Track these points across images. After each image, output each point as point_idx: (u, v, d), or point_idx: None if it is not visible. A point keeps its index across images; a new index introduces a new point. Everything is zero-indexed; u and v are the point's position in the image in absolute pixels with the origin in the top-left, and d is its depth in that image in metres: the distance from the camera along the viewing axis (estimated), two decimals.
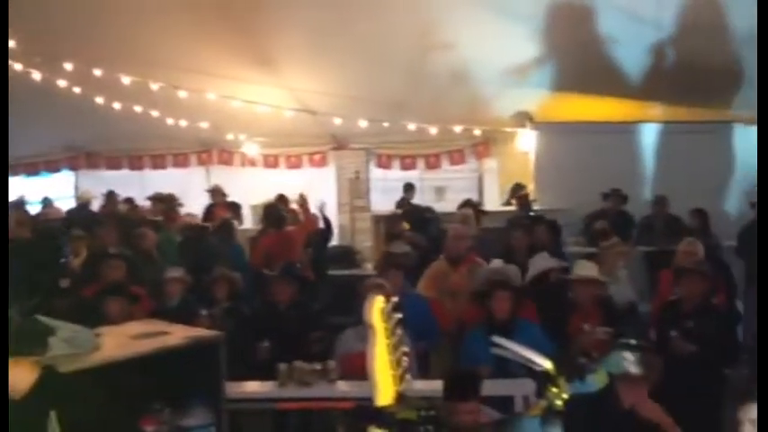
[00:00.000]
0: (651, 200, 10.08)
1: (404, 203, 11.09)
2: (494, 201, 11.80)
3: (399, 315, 2.31)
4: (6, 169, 5.02)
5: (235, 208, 11.16)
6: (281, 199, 10.57)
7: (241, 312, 6.30)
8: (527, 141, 11.49)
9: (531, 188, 11.02)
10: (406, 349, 2.34)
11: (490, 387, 4.41)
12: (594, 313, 5.45)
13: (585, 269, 5.74)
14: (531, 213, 9.88)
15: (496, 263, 6.32)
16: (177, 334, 4.69)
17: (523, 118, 11.43)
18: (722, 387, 4.90)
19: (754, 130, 10.48)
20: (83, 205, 12.14)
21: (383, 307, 2.26)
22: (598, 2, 9.41)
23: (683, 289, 5.33)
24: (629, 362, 3.74)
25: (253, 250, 9.04)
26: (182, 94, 10.23)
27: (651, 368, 3.81)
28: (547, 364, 2.86)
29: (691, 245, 6.50)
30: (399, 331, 2.32)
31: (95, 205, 12.14)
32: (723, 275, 6.76)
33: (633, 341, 3.90)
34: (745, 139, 10.60)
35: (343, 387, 5.02)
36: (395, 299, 2.33)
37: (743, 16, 9.08)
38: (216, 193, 11.43)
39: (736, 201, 10.23)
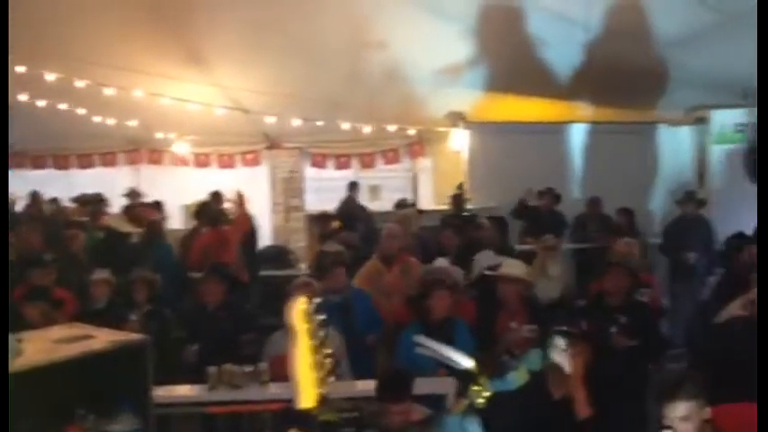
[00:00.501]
0: (582, 198, 10.30)
1: (349, 202, 11.07)
2: (428, 200, 11.88)
3: (322, 316, 2.28)
4: (6, 169, 4.83)
5: (157, 208, 10.92)
6: (216, 196, 10.40)
7: (161, 315, 6.16)
8: (460, 141, 11.60)
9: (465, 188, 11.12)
10: (329, 351, 2.31)
11: (423, 385, 4.44)
12: (521, 311, 5.52)
13: (511, 267, 5.80)
14: (465, 213, 10.00)
15: (440, 262, 6.37)
16: (102, 338, 4.57)
17: (456, 118, 11.53)
18: (647, 382, 5.02)
19: (677, 130, 10.90)
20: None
21: (305, 308, 2.22)
22: (528, 3, 9.55)
23: (610, 283, 5.45)
24: (558, 349, 3.80)
25: (187, 250, 8.86)
26: (109, 91, 9.95)
27: (580, 355, 3.87)
28: (468, 363, 2.88)
29: (627, 245, 6.66)
30: (322, 333, 2.28)
31: (20, 206, 11.75)
32: (647, 272, 6.94)
33: (564, 327, 3.96)
34: (669, 139, 10.95)
35: (274, 389, 4.95)
36: (317, 300, 2.29)
37: (667, 20, 9.37)
38: (133, 194, 11.18)
39: (661, 199, 10.53)
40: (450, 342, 4.97)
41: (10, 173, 13.31)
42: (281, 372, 4.97)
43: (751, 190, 9.54)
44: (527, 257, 7.06)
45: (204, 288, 6.10)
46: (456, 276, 6.21)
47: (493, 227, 8.14)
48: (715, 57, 9.23)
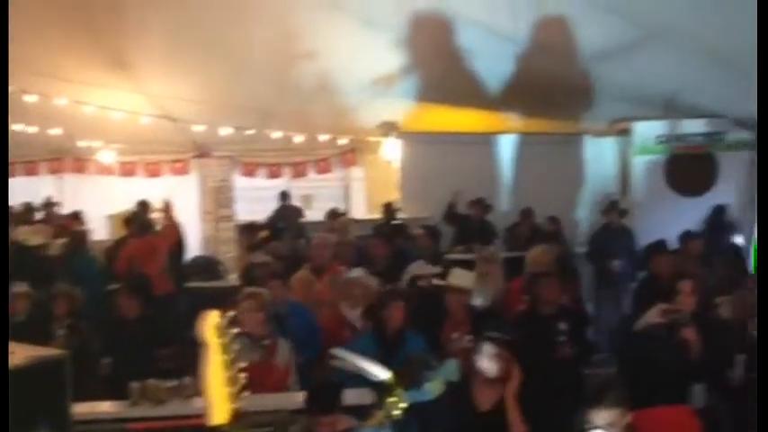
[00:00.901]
0: (512, 208, 10.46)
1: (283, 210, 10.97)
2: (361, 209, 11.87)
3: (235, 330, 2.23)
4: (6, 169, 4.57)
5: (77, 218, 10.61)
6: (143, 206, 10.16)
7: (81, 329, 5.99)
8: (393, 151, 11.64)
9: (396, 197, 11.15)
10: (242, 365, 2.26)
11: (354, 396, 4.40)
12: (465, 322, 5.55)
13: (461, 279, 5.83)
14: (395, 222, 10.04)
15: (356, 272, 6.34)
16: (20, 353, 4.40)
17: (388, 127, 11.57)
18: (578, 389, 5.08)
19: (602, 141, 11.19)
20: None
21: (218, 322, 2.16)
22: (459, 15, 9.66)
23: (544, 292, 5.49)
24: (487, 356, 3.81)
25: (113, 261, 8.60)
26: (30, 98, 9.62)
27: (509, 365, 3.89)
28: (384, 375, 2.86)
29: (540, 252, 6.75)
30: (236, 347, 2.23)
31: None
32: (573, 280, 7.08)
33: (494, 334, 3.98)
34: (594, 150, 11.22)
35: (200, 404, 4.83)
36: (231, 313, 2.24)
37: (592, 34, 9.62)
38: (49, 204, 10.83)
39: (586, 208, 10.78)
40: (403, 353, 5.00)
41: None
42: None
43: (671, 199, 9.95)
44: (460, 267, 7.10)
45: (121, 300, 5.98)
46: (371, 286, 6.18)
47: (426, 236, 8.20)
48: (637, 71, 9.52)
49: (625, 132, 10.68)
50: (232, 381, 2.21)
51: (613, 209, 9.03)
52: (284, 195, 11.39)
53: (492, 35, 9.81)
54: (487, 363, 3.81)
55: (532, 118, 11.24)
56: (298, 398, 4.84)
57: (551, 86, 10.17)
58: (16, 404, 4.01)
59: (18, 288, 6.39)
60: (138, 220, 8.91)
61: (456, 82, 10.49)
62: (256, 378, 3.47)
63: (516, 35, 9.86)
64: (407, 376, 2.97)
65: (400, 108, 11.30)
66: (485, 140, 11.25)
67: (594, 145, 11.14)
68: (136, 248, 8.33)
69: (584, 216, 10.73)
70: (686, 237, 7.50)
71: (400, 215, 10.47)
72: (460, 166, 10.77)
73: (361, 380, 4.49)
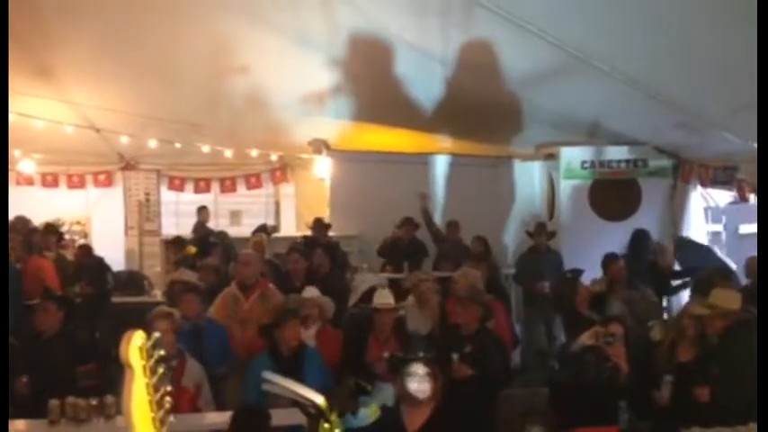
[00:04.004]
0: (442, 227, 10.54)
1: (199, 227, 10.74)
2: (290, 226, 11.78)
3: (161, 352, 2.14)
4: (6, 169, 4.26)
5: None
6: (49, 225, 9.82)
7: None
8: (323, 168, 11.62)
9: (326, 214, 11.11)
10: (168, 389, 2.17)
11: (283, 416, 4.33)
12: (392, 340, 5.56)
13: (385, 298, 5.86)
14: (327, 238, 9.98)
15: (310, 291, 6.29)
16: None
17: (320, 145, 11.54)
18: (497, 408, 5.14)
19: (530, 165, 11.42)
20: None
21: (142, 344, 2.08)
22: (391, 36, 9.73)
23: (461, 315, 5.58)
24: (417, 377, 3.79)
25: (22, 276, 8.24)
26: None
27: (436, 384, 3.89)
28: (318, 400, 2.81)
29: (464, 274, 6.83)
30: (161, 369, 2.14)
31: None
32: (501, 300, 7.17)
33: (421, 354, 3.97)
34: (523, 173, 11.44)
35: (122, 422, 4.65)
36: (156, 334, 2.16)
37: (519, 59, 9.84)
38: None
39: (515, 230, 10.95)
40: (300, 372, 4.95)
41: None
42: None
43: (596, 223, 10.22)
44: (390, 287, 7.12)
45: (38, 315, 5.73)
46: (326, 306, 6.17)
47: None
48: (563, 96, 9.77)
49: (552, 157, 10.92)
50: (157, 405, 2.12)
51: (541, 231, 9.20)
52: (201, 210, 11.18)
53: (423, 57, 9.92)
54: (418, 384, 3.78)
55: (462, 140, 11.40)
56: (209, 419, 4.78)
57: (480, 109, 10.32)
58: None
59: None
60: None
61: (387, 102, 10.55)
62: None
63: (446, 57, 10.01)
64: (342, 401, 2.92)
65: (332, 126, 11.30)
66: (415, 160, 11.34)
67: (523, 168, 11.35)
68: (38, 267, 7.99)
69: (511, 238, 10.90)
70: (609, 259, 7.69)
71: (330, 233, 10.40)
72: (391, 185, 10.82)
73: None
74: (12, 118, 9.75)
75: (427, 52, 9.83)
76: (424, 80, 10.41)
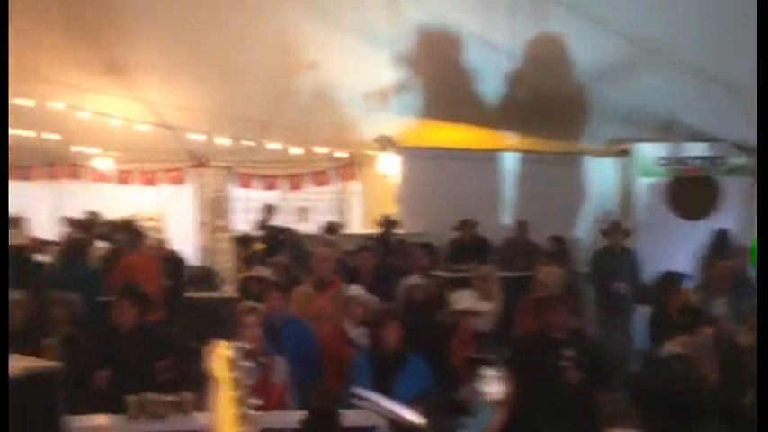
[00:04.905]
0: (509, 225, 10.37)
1: (263, 225, 10.81)
2: (357, 223, 11.76)
3: (249, 364, 2.05)
4: (6, 169, 4.45)
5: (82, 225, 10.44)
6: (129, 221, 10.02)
7: (79, 339, 5.81)
8: (390, 165, 11.56)
9: (394, 211, 11.05)
10: (255, 402, 2.08)
11: (352, 418, 4.30)
12: (472, 343, 5.45)
13: (466, 301, 5.74)
14: (393, 236, 9.94)
15: (354, 289, 6.23)
16: (12, 365, 4.28)
17: (386, 142, 11.49)
18: (595, 412, 4.97)
19: (601, 162, 11.15)
20: None
21: (229, 355, 1.98)
22: (457, 32, 9.64)
23: (552, 319, 5.37)
24: (490, 380, 3.70)
25: (109, 270, 8.40)
26: (25, 102, 9.48)
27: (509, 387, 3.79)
28: (415, 419, 2.72)
29: (546, 274, 6.67)
30: (249, 381, 2.05)
31: None
32: (578, 302, 6.99)
33: (498, 355, 3.88)
34: (594, 170, 11.18)
35: (200, 419, 4.70)
36: (242, 344, 2.07)
37: (589, 53, 9.61)
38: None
39: (586, 229, 10.70)
40: (400, 376, 4.89)
41: None
42: None
43: (674, 222, 9.90)
44: (457, 285, 7.02)
45: (116, 310, 5.77)
46: (371, 304, 6.08)
47: (422, 253, 8.10)
48: (635, 91, 9.50)
49: (624, 153, 10.64)
50: (242, 419, 2.03)
51: (616, 230, 8.92)
52: (268, 209, 11.24)
53: (491, 52, 9.80)
54: (492, 386, 3.68)
55: (531, 136, 11.21)
56: (296, 416, 4.73)
57: (549, 104, 10.15)
58: (10, 417, 3.89)
59: (12, 295, 6.22)
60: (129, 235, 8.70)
61: (454, 98, 10.47)
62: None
63: (515, 52, 9.86)
64: (441, 423, 2.83)
65: (399, 122, 11.25)
66: (483, 157, 11.19)
67: (595, 165, 11.09)
68: (131, 264, 8.11)
69: (583, 236, 10.65)
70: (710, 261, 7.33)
71: (398, 230, 10.34)
72: (458, 182, 10.70)
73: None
74: (87, 115, 10.01)
75: (494, 47, 9.72)
76: (491, 75, 10.30)
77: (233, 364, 1.98)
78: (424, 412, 2.72)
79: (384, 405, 2.80)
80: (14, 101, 9.34)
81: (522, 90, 10.29)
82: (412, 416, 2.70)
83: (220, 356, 1.97)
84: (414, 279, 6.77)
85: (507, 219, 10.71)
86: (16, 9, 8.48)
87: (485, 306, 5.83)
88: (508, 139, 11.34)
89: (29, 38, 8.96)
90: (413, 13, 9.42)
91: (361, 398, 2.88)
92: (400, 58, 9.92)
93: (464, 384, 4.45)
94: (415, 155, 11.25)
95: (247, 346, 2.12)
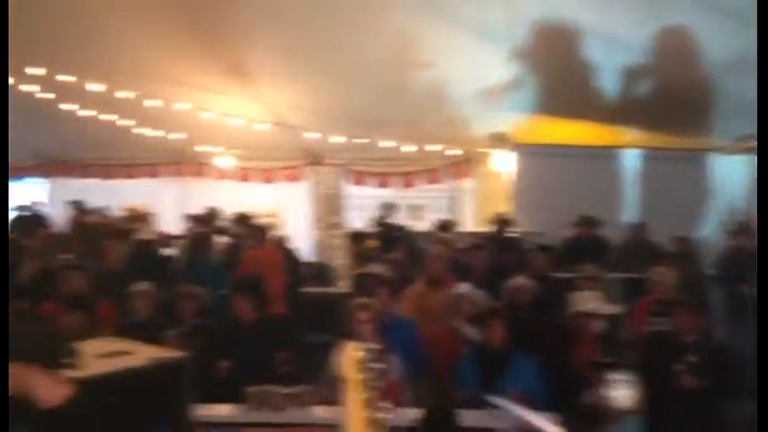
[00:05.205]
0: (629, 225, 10.02)
1: (380, 222, 10.91)
2: (470, 221, 11.67)
3: (381, 365, 2.02)
4: (6, 169, 4.79)
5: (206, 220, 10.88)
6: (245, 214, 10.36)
7: (206, 330, 6.03)
8: (504, 163, 11.41)
9: (508, 210, 10.90)
10: (386, 405, 2.05)
11: (470, 418, 4.27)
12: (594, 346, 5.29)
13: (591, 302, 5.58)
14: (507, 235, 9.81)
15: (463, 287, 6.18)
16: (141, 354, 4.48)
17: (500, 139, 11.34)
18: (722, 421, 4.73)
19: (729, 159, 10.58)
20: (34, 215, 11.86)
21: (360, 356, 1.96)
22: (576, 25, 9.37)
23: (679, 322, 5.11)
24: (619, 385, 3.58)
25: (233, 263, 8.72)
26: (153, 103, 9.96)
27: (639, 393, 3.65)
28: (554, 430, 2.62)
29: (661, 275, 6.38)
30: (380, 383, 2.02)
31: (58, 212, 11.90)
32: (703, 304, 6.64)
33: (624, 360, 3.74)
34: (721, 168, 10.63)
35: (318, 413, 4.79)
36: (376, 346, 2.05)
37: (716, 45, 9.11)
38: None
39: (712, 229, 10.20)
40: (505, 374, 4.83)
41: (55, 181, 13.61)
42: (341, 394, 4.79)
43: None
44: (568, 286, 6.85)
45: (236, 304, 5.94)
46: (480, 302, 6.00)
47: (536, 253, 7.94)
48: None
49: (753, 150, 10.05)
50: (373, 423, 2.00)
51: (744, 230, 8.43)
52: (386, 207, 11.30)
53: (610, 45, 9.48)
54: (621, 391, 3.55)
55: (653, 132, 10.78)
56: (410, 414, 4.73)
57: (673, 99, 9.73)
58: (136, 405, 4.07)
59: (138, 287, 6.53)
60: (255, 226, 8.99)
61: (571, 93, 10.19)
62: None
63: (637, 45, 9.48)
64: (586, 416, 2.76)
65: (513, 119, 11.08)
66: (602, 154, 10.86)
67: (721, 162, 10.54)
68: (254, 259, 8.35)
69: (710, 237, 10.14)
70: None
71: (512, 229, 10.19)
72: (575, 180, 10.43)
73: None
74: (209, 116, 10.40)
75: (615, 40, 9.38)
76: (611, 69, 9.96)
77: (363, 366, 1.96)
78: (532, 409, 2.65)
79: (521, 414, 2.73)
80: (144, 102, 9.86)
81: (644, 85, 9.90)
82: (549, 426, 2.62)
83: (350, 358, 1.95)
84: (519, 280, 6.63)
85: (627, 218, 10.33)
86: (148, 13, 8.95)
87: (609, 308, 5.62)
88: (628, 135, 10.95)
89: (159, 40, 9.41)
90: (530, 7, 9.24)
91: (496, 405, 2.83)
92: (517, 53, 9.74)
93: (588, 389, 4.32)
94: (529, 152, 11.05)
95: (364, 343, 2.10)
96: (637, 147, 10.87)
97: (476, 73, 10.01)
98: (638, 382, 3.73)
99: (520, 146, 11.14)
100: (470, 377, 5.01)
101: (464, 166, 12.00)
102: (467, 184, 12.23)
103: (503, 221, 10.05)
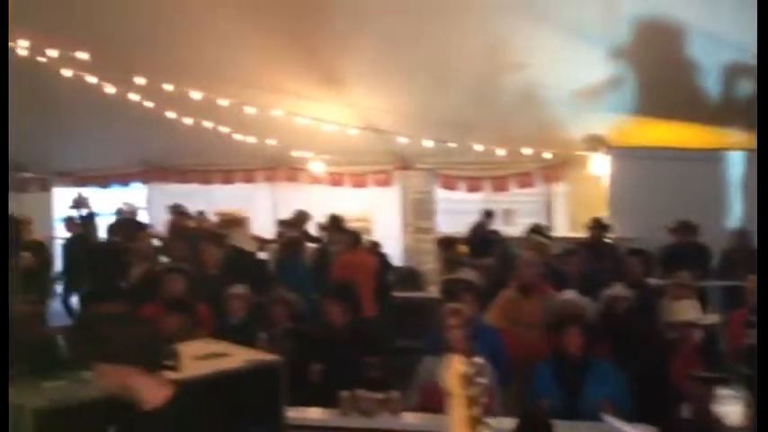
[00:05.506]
0: (731, 231, 9.59)
1: (479, 229, 10.79)
2: (564, 226, 11.42)
3: (484, 380, 1.95)
4: (6, 169, 4.97)
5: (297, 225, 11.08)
6: (337, 219, 10.46)
7: (298, 334, 6.12)
8: (600, 166, 11.11)
9: (604, 215, 10.60)
10: (490, 422, 1.99)
11: (563, 429, 4.16)
12: (695, 358, 5.08)
13: (693, 312, 5.35)
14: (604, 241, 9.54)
15: (569, 294, 6.03)
16: (237, 357, 4.57)
17: (596, 142, 11.05)
18: None
19: None
20: (130, 218, 12.35)
21: (465, 371, 1.89)
22: (676, 23, 9.03)
23: None
24: (727, 400, 3.39)
25: (325, 268, 8.83)
26: (249, 110, 10.21)
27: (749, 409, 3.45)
28: None
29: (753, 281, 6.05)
30: (484, 399, 1.95)
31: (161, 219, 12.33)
32: None
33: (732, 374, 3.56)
34: None
35: (408, 419, 4.78)
36: (480, 360, 1.98)
37: None
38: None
39: None
40: (584, 384, 4.69)
41: (156, 186, 14.16)
42: (433, 401, 4.78)
43: None
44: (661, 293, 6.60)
45: (327, 308, 5.99)
46: (588, 311, 5.83)
47: (634, 259, 7.67)
48: None
49: None
50: None
51: None
52: (487, 214, 11.17)
53: (715, 43, 9.10)
54: (730, 409, 3.37)
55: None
56: (504, 424, 4.64)
57: None
58: (232, 406, 4.16)
59: (235, 290, 6.69)
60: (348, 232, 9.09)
61: (673, 94, 9.83)
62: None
63: (743, 42, 9.06)
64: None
65: (610, 121, 10.78)
66: (703, 157, 10.41)
67: None
68: (348, 263, 8.42)
69: None
70: None
71: (608, 234, 9.91)
72: (675, 183, 10.04)
73: None
74: (303, 122, 10.58)
75: (720, 38, 9.00)
76: (715, 69, 9.57)
77: (468, 381, 1.90)
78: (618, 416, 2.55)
79: (620, 427, 2.65)
80: (241, 109, 10.12)
81: (751, 84, 9.44)
82: None
83: (455, 372, 1.89)
84: (618, 288, 6.41)
85: (730, 224, 9.88)
86: (243, 23, 9.18)
87: (708, 318, 5.37)
88: (730, 136, 10.48)
89: (255, 51, 9.64)
90: (630, 5, 8.97)
91: (606, 422, 2.74)
92: (614, 53, 9.48)
93: (689, 404, 4.14)
94: (627, 155, 10.71)
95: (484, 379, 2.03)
96: (740, 149, 10.37)
97: (571, 73, 9.80)
98: (748, 399, 3.52)
99: (616, 148, 10.82)
100: (548, 386, 4.91)
101: (558, 169, 11.75)
102: (560, 188, 11.97)
103: (599, 227, 9.78)
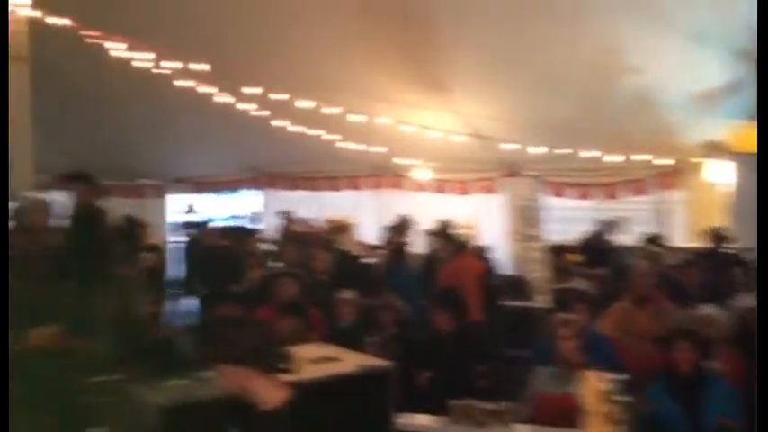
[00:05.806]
0: None
1: (594, 238, 10.48)
2: (680, 236, 10.94)
3: (628, 398, 1.84)
4: (6, 169, 5.13)
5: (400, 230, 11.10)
6: (444, 225, 10.42)
7: (404, 340, 6.11)
8: (720, 173, 10.58)
9: (722, 223, 10.10)
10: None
11: None
12: None
13: None
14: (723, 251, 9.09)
15: (706, 308, 5.78)
16: (349, 361, 4.62)
17: (716, 148, 10.55)
18: None
19: None
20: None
21: (605, 388, 1.78)
22: None
23: None
24: None
25: (431, 274, 8.81)
26: (356, 118, 10.33)
27: None
28: None
29: None
30: (625, 417, 1.82)
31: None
32: None
33: None
34: None
35: (520, 431, 4.68)
36: (620, 377, 1.88)
37: None
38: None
39: None
40: (699, 400, 4.48)
41: (266, 193, 14.58)
42: (546, 412, 4.70)
43: None
44: None
45: (435, 315, 5.97)
46: (723, 325, 5.56)
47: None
48: None
49: None
50: None
51: None
52: (609, 224, 10.84)
53: None
54: None
55: None
56: None
57: None
58: (343, 410, 4.19)
59: (344, 294, 6.78)
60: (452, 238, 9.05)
61: None
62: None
63: None
64: None
65: (730, 126, 10.26)
66: None
67: None
68: (455, 268, 8.37)
69: None
70: None
71: (729, 245, 9.42)
72: None
73: None
74: (408, 129, 10.60)
75: None
76: None
77: (607, 398, 1.80)
78: None
79: None
80: (348, 117, 10.25)
81: None
82: None
83: (592, 388, 1.79)
84: (750, 300, 6.09)
85: None
86: (356, 35, 9.32)
87: None
88: None
89: (363, 60, 9.76)
90: (749, 7, 8.52)
91: None
92: (735, 55, 9.03)
93: None
94: (749, 161, 10.16)
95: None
96: None
97: (688, 77, 9.41)
98: None
99: (737, 154, 10.29)
100: (662, 401, 4.71)
101: (674, 176, 11.26)
102: (676, 195, 11.48)
103: (719, 236, 9.32)
